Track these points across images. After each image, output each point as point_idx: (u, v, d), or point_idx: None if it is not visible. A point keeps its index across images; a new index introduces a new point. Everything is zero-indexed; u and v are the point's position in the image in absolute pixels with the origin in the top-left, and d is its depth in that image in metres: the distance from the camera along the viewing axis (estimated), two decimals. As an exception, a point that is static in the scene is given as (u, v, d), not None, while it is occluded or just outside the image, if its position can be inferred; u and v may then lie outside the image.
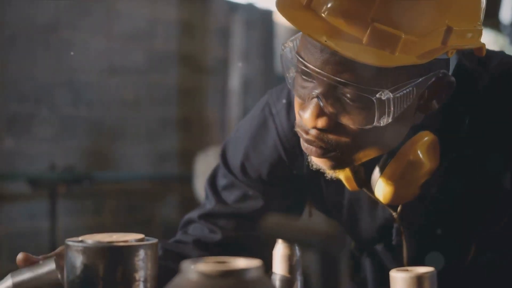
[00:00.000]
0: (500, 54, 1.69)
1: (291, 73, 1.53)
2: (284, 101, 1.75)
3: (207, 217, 1.85)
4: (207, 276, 0.91)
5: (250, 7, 6.06)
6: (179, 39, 5.78)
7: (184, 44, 5.81)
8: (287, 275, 1.21)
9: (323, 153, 1.51)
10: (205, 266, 0.92)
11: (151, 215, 5.38)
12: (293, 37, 1.52)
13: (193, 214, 1.89)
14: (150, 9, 5.56)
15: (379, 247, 1.78)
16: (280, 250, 1.22)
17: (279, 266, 1.22)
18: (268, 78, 6.05)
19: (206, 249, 1.80)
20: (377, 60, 1.38)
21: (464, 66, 1.58)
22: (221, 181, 1.86)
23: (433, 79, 1.47)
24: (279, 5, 1.46)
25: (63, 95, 5.03)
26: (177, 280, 0.93)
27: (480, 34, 1.50)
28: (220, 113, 5.92)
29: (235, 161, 1.83)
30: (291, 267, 1.22)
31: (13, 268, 1.44)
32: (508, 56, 1.70)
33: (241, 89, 5.90)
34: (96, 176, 5.05)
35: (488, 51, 1.65)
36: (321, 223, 1.68)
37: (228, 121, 5.86)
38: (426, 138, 1.55)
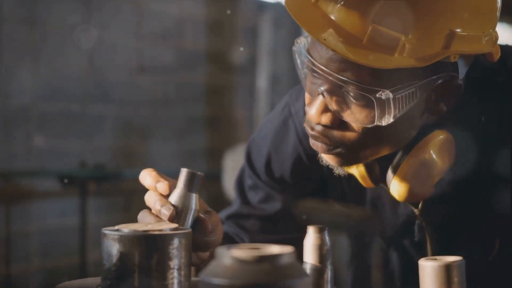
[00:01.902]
0: None
1: (304, 70, 1.55)
2: (303, 100, 1.75)
3: (233, 217, 1.87)
4: (241, 261, 0.94)
5: (278, 6, 6.08)
6: (208, 38, 5.81)
7: (212, 42, 5.83)
8: (318, 264, 1.23)
9: (328, 149, 1.53)
10: (240, 252, 0.95)
11: (180, 212, 5.41)
12: (306, 34, 1.53)
13: (221, 214, 1.90)
14: (179, 8, 5.59)
15: (405, 242, 1.78)
16: (310, 240, 1.24)
17: (309, 256, 1.24)
18: (296, 76, 6.05)
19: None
20: (374, 62, 1.39)
21: (482, 63, 1.57)
22: (247, 182, 1.88)
23: (439, 82, 1.47)
24: (288, 1, 1.48)
25: (94, 93, 5.08)
26: (212, 265, 0.96)
27: (491, 39, 1.49)
28: (248, 111, 5.94)
29: (259, 162, 1.85)
30: (322, 257, 1.23)
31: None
32: None
33: (269, 87, 5.92)
34: (125, 173, 5.08)
35: (507, 46, 1.64)
36: (354, 208, 1.71)
37: (256, 119, 5.89)
38: (440, 137, 1.55)
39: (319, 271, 1.23)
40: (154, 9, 5.42)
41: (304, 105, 1.70)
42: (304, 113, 1.69)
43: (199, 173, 1.37)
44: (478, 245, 1.71)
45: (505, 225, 1.68)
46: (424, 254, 1.72)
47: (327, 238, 1.24)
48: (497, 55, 1.52)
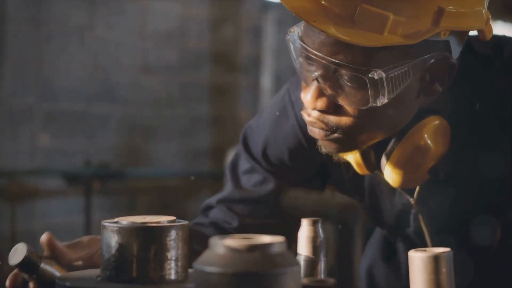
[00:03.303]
0: None
1: (299, 59, 1.55)
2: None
3: (224, 202, 1.88)
4: (234, 250, 0.97)
5: (282, 6, 6.09)
6: (212, 38, 5.84)
7: (216, 42, 5.86)
8: (311, 256, 1.26)
9: (326, 135, 1.54)
10: (232, 241, 0.98)
11: (183, 210, 5.45)
12: (299, 23, 1.54)
13: (213, 199, 1.91)
14: (183, 8, 5.62)
15: (409, 232, 1.80)
16: (304, 232, 1.27)
17: (303, 248, 1.27)
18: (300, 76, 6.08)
19: (224, 233, 1.82)
20: (363, 40, 1.41)
21: (475, 51, 1.59)
22: (242, 166, 1.88)
23: (432, 61, 1.48)
24: None
25: (98, 93, 5.11)
26: (206, 255, 0.99)
27: (481, 17, 1.50)
28: (252, 110, 5.97)
29: (256, 147, 1.86)
30: (315, 248, 1.26)
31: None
32: None
33: (272, 87, 5.94)
34: (130, 172, 5.11)
35: (504, 37, 1.67)
36: (337, 197, 1.72)
37: (260, 119, 5.90)
38: (435, 123, 1.56)
39: (312, 262, 1.26)
40: (158, 9, 5.45)
41: None
42: None
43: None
44: (479, 234, 1.72)
45: (505, 214, 1.69)
46: (426, 245, 1.73)
47: (320, 230, 1.27)
48: (489, 34, 1.53)
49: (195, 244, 1.63)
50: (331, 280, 1.02)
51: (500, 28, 7.81)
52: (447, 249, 1.21)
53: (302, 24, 1.54)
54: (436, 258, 1.19)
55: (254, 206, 1.86)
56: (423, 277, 1.19)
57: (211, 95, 5.85)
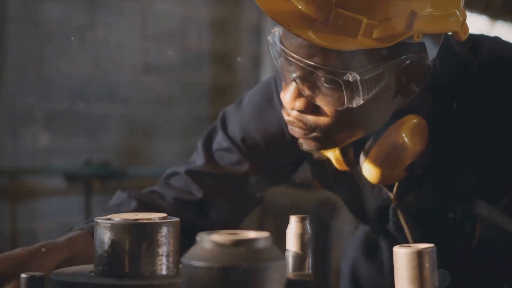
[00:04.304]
0: (493, 40, 1.73)
1: (280, 59, 1.58)
2: None
3: (194, 173, 1.88)
4: (220, 245, 1.00)
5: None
6: (212, 38, 5.86)
7: (217, 42, 5.89)
8: (299, 251, 1.29)
9: (305, 134, 1.58)
10: (219, 236, 1.02)
11: (183, 210, 5.46)
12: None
13: (180, 168, 1.91)
14: (184, 8, 5.65)
15: (390, 228, 1.83)
16: (293, 229, 1.30)
17: (292, 244, 1.30)
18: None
19: (184, 207, 1.84)
20: (337, 44, 1.44)
21: (455, 52, 1.62)
22: (217, 144, 1.89)
23: (408, 63, 1.51)
24: None
25: (99, 92, 5.14)
26: (193, 249, 1.03)
27: (455, 19, 1.52)
28: (252, 110, 5.98)
29: (235, 129, 1.88)
30: (303, 245, 1.29)
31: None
32: (501, 42, 1.73)
33: (272, 87, 5.97)
34: (130, 172, 5.13)
35: (482, 37, 1.70)
36: (314, 193, 1.75)
37: (260, 118, 5.93)
38: (412, 121, 1.59)
39: (300, 258, 1.29)
40: (158, 9, 5.47)
41: None
42: None
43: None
44: (458, 230, 1.75)
45: (484, 211, 1.72)
46: (407, 241, 1.77)
47: (308, 227, 1.30)
48: (464, 35, 1.56)
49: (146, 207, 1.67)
50: (313, 274, 1.05)
51: (500, 28, 7.83)
52: (430, 245, 1.24)
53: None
54: (419, 254, 1.22)
55: (222, 183, 1.87)
56: (407, 272, 1.23)
57: (212, 95, 5.88)
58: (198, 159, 1.91)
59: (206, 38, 5.82)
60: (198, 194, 1.87)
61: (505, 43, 1.74)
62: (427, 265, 1.21)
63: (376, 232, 1.95)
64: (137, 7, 5.34)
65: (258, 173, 1.86)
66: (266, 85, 1.89)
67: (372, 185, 1.75)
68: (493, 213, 1.70)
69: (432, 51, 1.55)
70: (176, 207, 1.84)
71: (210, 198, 1.86)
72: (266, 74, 5.97)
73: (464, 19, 1.56)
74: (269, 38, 1.59)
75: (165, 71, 5.53)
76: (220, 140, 1.90)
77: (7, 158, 4.70)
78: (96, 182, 4.96)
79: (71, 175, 4.93)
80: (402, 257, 1.23)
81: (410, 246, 1.23)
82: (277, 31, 1.57)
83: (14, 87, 4.68)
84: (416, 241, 1.74)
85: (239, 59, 5.99)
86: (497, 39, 1.74)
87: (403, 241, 1.79)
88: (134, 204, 1.80)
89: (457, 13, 1.53)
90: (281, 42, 1.55)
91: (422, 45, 1.52)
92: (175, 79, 5.61)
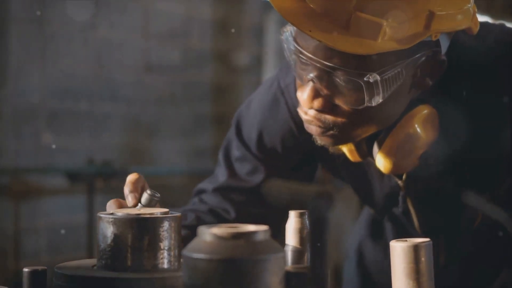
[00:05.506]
0: (499, 27, 1.75)
1: (293, 56, 1.59)
2: (293, 75, 1.78)
3: (220, 190, 1.90)
4: (220, 238, 1.03)
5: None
6: (214, 37, 5.88)
7: (218, 42, 5.90)
8: (299, 246, 1.31)
9: (322, 132, 1.59)
10: (219, 229, 1.04)
11: (185, 208, 5.47)
12: None
13: (207, 186, 1.93)
14: (186, 8, 5.66)
15: (397, 212, 1.85)
16: (292, 224, 1.32)
17: (291, 239, 1.32)
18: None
19: (222, 220, 1.86)
20: (359, 49, 1.46)
21: (463, 41, 1.63)
22: (235, 153, 1.91)
23: (423, 59, 1.53)
24: None
25: (101, 92, 5.15)
26: (194, 242, 1.05)
27: (468, 15, 1.55)
28: (254, 109, 6.00)
29: (250, 134, 1.89)
30: (302, 239, 1.31)
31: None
32: (507, 28, 1.75)
33: (274, 86, 5.98)
34: (132, 170, 5.11)
35: (488, 24, 1.72)
36: (313, 186, 1.77)
37: (262, 118, 5.94)
38: (424, 112, 1.61)
39: (300, 252, 1.31)
40: (161, 9, 5.49)
41: (294, 80, 1.75)
42: (294, 87, 1.75)
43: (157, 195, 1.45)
44: (462, 215, 1.77)
45: (485, 196, 1.74)
46: (413, 225, 1.79)
47: (307, 222, 1.32)
48: (476, 28, 1.59)
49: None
50: (309, 267, 1.08)
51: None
52: (426, 239, 1.26)
53: None
54: (416, 248, 1.24)
55: (248, 196, 1.89)
56: (404, 266, 1.25)
57: (214, 94, 5.89)
58: (220, 174, 1.93)
59: (208, 37, 5.83)
60: (232, 211, 1.89)
61: (510, 30, 1.75)
62: (423, 259, 1.24)
63: (381, 214, 1.96)
64: (139, 7, 5.35)
65: (276, 180, 1.87)
66: (270, 84, 1.90)
67: (381, 173, 1.76)
68: (494, 197, 1.72)
69: (445, 45, 1.57)
70: (215, 219, 1.87)
71: (243, 217, 1.87)
72: (268, 74, 5.99)
73: (475, 12, 1.58)
74: (281, 37, 1.59)
75: (167, 71, 5.55)
76: (236, 149, 1.92)
77: (10, 157, 4.72)
78: (99, 181, 4.97)
79: (74, 174, 4.94)
80: (399, 251, 1.25)
81: (406, 240, 1.26)
82: (290, 29, 1.58)
83: (17, 86, 4.70)
84: (422, 225, 1.77)
85: (241, 58, 6.01)
86: (502, 26, 1.76)
87: (409, 223, 1.81)
88: (195, 221, 1.83)
89: (470, 9, 1.56)
90: (295, 41, 1.56)
91: (436, 41, 1.55)
92: (177, 79, 5.63)
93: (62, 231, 4.84)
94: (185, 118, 5.68)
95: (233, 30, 5.88)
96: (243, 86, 6.04)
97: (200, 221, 1.84)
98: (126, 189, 1.45)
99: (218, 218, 1.88)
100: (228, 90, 5.95)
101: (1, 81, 4.66)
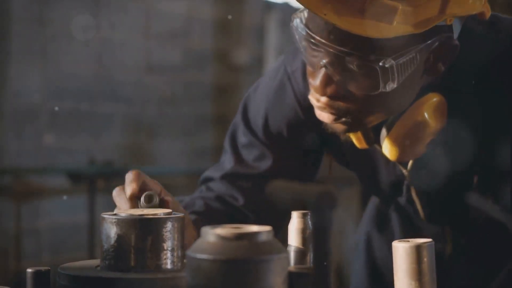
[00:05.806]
0: (508, 20, 1.72)
1: (303, 43, 1.57)
2: (299, 60, 1.77)
3: (227, 177, 1.88)
4: (223, 238, 1.03)
5: (285, 6, 6.16)
6: (215, 38, 5.89)
7: (219, 42, 5.91)
8: (301, 246, 1.31)
9: (335, 119, 1.57)
10: (222, 230, 1.05)
11: (186, 208, 5.47)
12: (302, 8, 1.55)
13: (214, 173, 1.91)
14: (187, 8, 5.67)
15: (402, 201, 1.84)
16: (294, 224, 1.32)
17: (293, 239, 1.32)
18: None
19: (230, 208, 1.85)
20: (375, 32, 1.44)
21: (473, 29, 1.63)
22: (241, 139, 1.88)
23: (437, 44, 1.52)
24: None
25: (102, 92, 5.16)
26: (198, 243, 1.06)
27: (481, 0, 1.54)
28: (255, 109, 6.00)
29: (256, 120, 1.86)
30: (305, 240, 1.31)
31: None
32: None
33: (275, 86, 5.99)
34: (133, 170, 5.14)
35: (496, 15, 1.70)
36: (315, 186, 1.77)
37: (263, 118, 5.95)
38: (433, 99, 1.60)
39: (302, 252, 1.32)
40: (162, 9, 5.50)
41: (301, 65, 1.74)
42: (301, 73, 1.74)
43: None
44: (468, 206, 1.77)
45: (494, 188, 1.74)
46: (418, 214, 1.79)
47: (309, 222, 1.33)
48: (488, 13, 1.58)
49: (206, 219, 1.68)
50: (312, 267, 1.08)
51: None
52: (428, 240, 1.27)
53: (305, 10, 1.55)
54: (418, 248, 1.25)
55: (256, 182, 1.87)
56: (406, 266, 1.25)
57: (215, 94, 5.90)
58: (227, 161, 1.91)
59: (209, 38, 5.84)
60: (240, 199, 1.86)
61: None
62: (425, 259, 1.24)
63: (387, 203, 1.95)
64: (140, 7, 5.36)
65: (283, 168, 1.85)
66: (277, 69, 1.87)
67: (387, 161, 1.75)
68: (502, 187, 1.72)
69: (456, 31, 1.57)
70: (223, 206, 1.85)
71: (251, 204, 1.86)
72: (268, 74, 5.99)
73: None
74: (292, 24, 1.57)
75: (168, 71, 5.56)
76: (242, 135, 1.89)
77: (11, 157, 4.73)
78: (100, 181, 4.98)
79: (75, 174, 4.94)
80: (401, 251, 1.25)
81: (408, 241, 1.26)
82: (300, 16, 1.56)
83: (18, 86, 4.70)
84: (427, 215, 1.76)
85: (241, 58, 6.02)
86: (510, 20, 1.74)
87: (414, 213, 1.80)
88: (203, 207, 1.82)
89: None
90: (307, 27, 1.54)
91: (449, 26, 1.54)
92: (178, 79, 5.64)
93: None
94: (186, 118, 5.69)
95: (229, 17, 5.85)
96: (244, 86, 6.04)
97: (208, 207, 1.82)
98: (127, 178, 1.47)
99: (226, 205, 1.86)
100: (228, 90, 5.96)
101: (2, 81, 4.66)
